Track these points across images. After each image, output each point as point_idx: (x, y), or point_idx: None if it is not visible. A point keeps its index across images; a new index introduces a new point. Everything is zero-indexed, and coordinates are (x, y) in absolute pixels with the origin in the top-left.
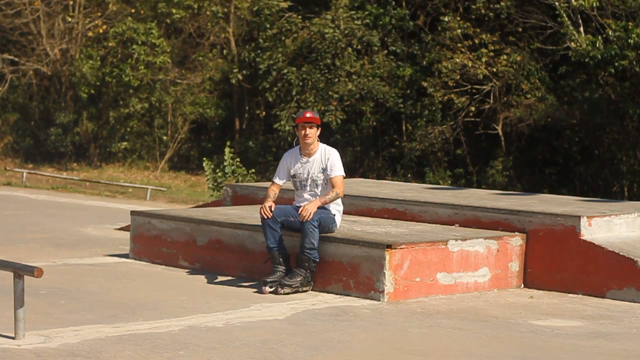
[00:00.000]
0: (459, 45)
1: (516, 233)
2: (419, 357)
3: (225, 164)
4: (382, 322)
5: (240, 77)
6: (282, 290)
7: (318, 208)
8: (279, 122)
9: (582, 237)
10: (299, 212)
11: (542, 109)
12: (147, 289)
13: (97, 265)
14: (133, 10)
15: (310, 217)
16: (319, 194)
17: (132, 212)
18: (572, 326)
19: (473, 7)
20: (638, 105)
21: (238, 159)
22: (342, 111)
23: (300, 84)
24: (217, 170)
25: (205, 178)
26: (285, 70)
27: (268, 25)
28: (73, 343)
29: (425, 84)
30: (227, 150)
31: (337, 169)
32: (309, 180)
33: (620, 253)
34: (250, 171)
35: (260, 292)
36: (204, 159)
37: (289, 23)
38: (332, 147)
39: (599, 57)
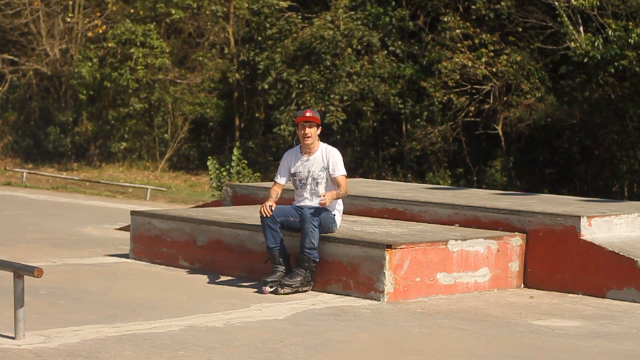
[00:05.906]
0: (459, 45)
1: (516, 233)
2: (419, 357)
3: (233, 164)
4: (382, 322)
5: (238, 76)
6: (282, 290)
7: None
8: (278, 125)
9: (582, 237)
10: (319, 202)
11: (542, 109)
12: (147, 289)
13: (97, 265)
14: (132, 11)
15: (328, 203)
16: (319, 192)
17: (132, 212)
18: (572, 326)
19: (473, 7)
20: (638, 105)
21: (245, 161)
22: (342, 111)
23: (300, 85)
24: (222, 170)
25: (208, 177)
26: (285, 73)
27: (268, 25)
28: (73, 343)
29: (425, 84)
30: (235, 150)
31: (340, 168)
32: (310, 179)
33: (620, 253)
34: (255, 174)
35: (260, 292)
36: (209, 158)
37: (288, 23)
38: (333, 147)
39: (599, 57)
